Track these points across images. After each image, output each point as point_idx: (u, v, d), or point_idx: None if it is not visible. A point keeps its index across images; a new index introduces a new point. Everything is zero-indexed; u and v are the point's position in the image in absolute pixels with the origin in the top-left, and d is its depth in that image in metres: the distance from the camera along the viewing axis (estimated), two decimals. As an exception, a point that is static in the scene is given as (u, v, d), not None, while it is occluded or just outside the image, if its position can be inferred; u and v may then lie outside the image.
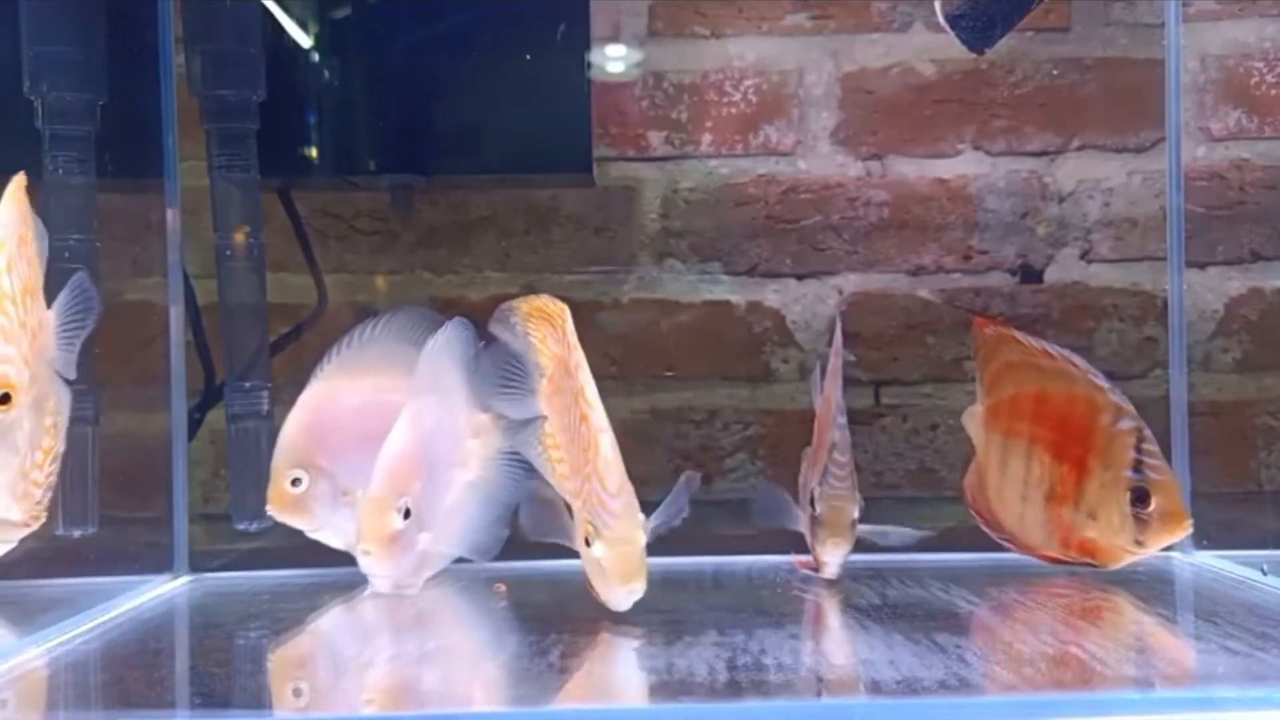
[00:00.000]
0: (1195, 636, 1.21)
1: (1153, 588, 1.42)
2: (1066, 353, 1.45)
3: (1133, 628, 1.23)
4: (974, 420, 1.53)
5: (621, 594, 1.18)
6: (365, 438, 1.35)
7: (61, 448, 1.20)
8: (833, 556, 1.38)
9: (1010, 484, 1.47)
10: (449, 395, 1.36)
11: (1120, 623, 1.25)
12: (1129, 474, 1.38)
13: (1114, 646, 1.16)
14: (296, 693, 1.12)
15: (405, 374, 1.37)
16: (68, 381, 1.24)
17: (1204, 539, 1.60)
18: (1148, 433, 1.40)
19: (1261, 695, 0.96)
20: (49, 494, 1.17)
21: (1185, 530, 1.39)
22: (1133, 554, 1.40)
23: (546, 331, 1.28)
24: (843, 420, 1.39)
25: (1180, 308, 1.68)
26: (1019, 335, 1.49)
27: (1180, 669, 1.11)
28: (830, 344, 1.79)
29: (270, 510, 1.42)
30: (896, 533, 1.44)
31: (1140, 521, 1.38)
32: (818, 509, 1.38)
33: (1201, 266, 1.77)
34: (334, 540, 1.42)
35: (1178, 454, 1.64)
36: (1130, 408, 1.41)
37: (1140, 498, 1.38)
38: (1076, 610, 1.32)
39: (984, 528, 1.50)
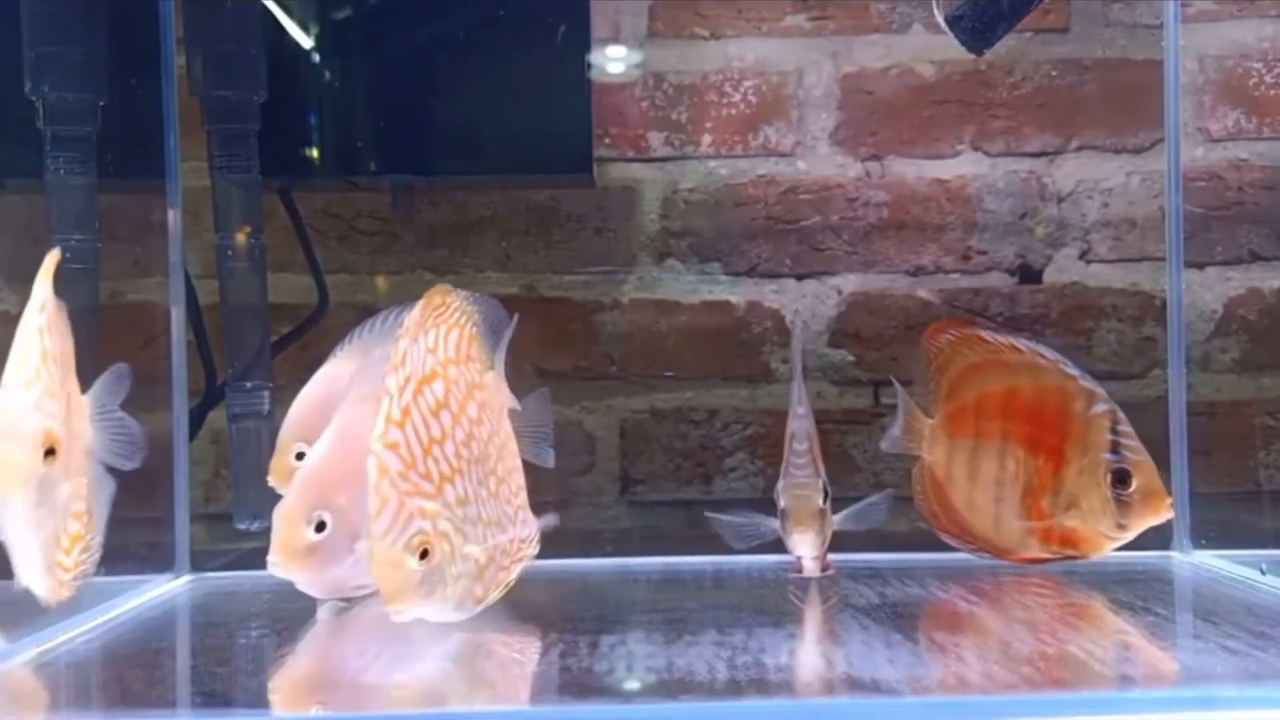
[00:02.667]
0: (1194, 636, 1.22)
1: (1151, 587, 1.42)
2: (1034, 344, 1.45)
3: (1131, 627, 1.23)
4: (924, 434, 1.50)
5: (390, 613, 1.15)
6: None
7: (97, 539, 1.20)
8: (803, 547, 1.36)
9: (981, 487, 1.46)
10: None
11: (1119, 622, 1.25)
12: (1107, 456, 1.38)
13: (1112, 646, 1.16)
14: (296, 693, 1.12)
15: None
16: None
17: (1203, 539, 1.60)
18: (1121, 415, 1.40)
19: (1261, 695, 0.96)
20: (79, 581, 1.17)
21: (1167, 509, 1.39)
22: (1115, 539, 1.40)
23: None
24: (801, 410, 1.38)
25: (1179, 308, 1.69)
26: (984, 333, 1.48)
27: (1179, 668, 1.12)
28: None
29: (271, 482, 1.41)
30: (866, 507, 1.43)
31: (1122, 504, 1.38)
32: (782, 501, 1.36)
33: (1200, 267, 1.78)
34: None
35: (1176, 454, 1.64)
36: (1102, 392, 1.41)
37: (1120, 479, 1.38)
38: (1074, 609, 1.32)
39: (951, 541, 1.49)
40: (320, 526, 1.27)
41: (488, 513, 1.21)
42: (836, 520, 1.40)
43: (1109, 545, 1.41)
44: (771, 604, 1.37)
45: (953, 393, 1.49)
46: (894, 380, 1.54)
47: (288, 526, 1.27)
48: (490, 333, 1.30)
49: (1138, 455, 1.39)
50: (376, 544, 1.13)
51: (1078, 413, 1.40)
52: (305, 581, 1.29)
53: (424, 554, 1.14)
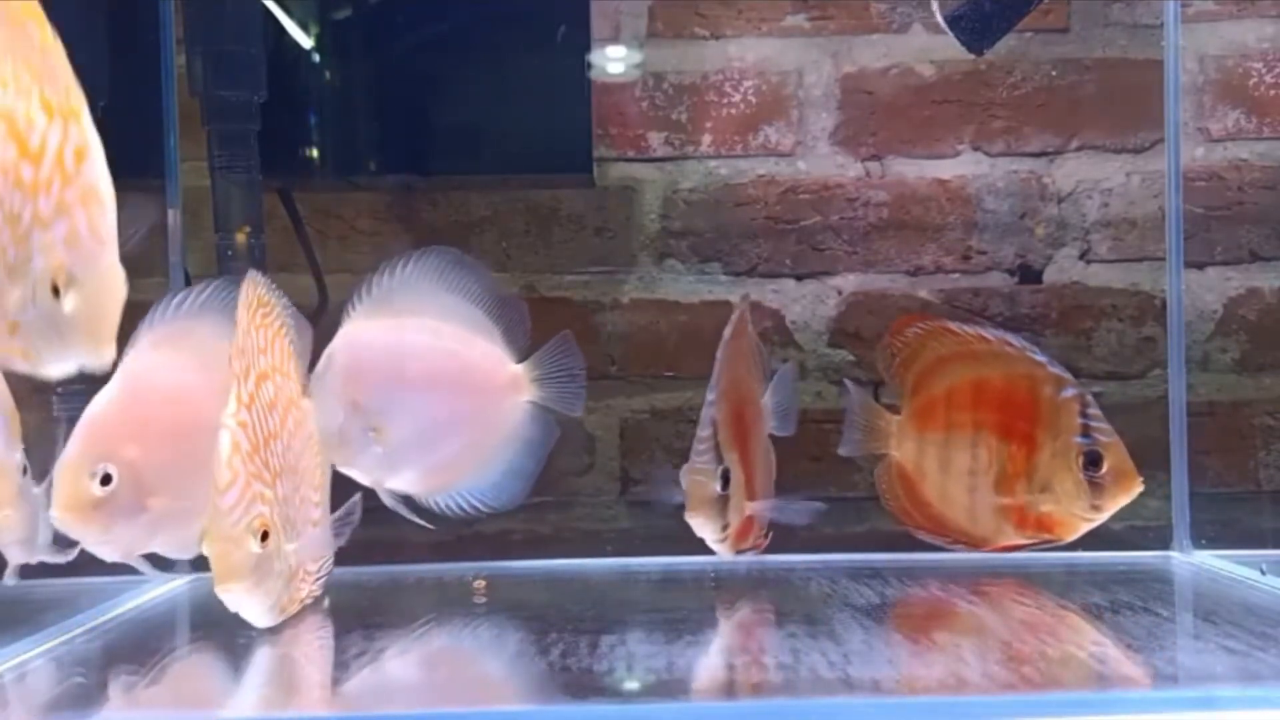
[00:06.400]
0: (1194, 636, 1.22)
1: (1151, 588, 1.42)
2: (1002, 333, 1.47)
3: (1131, 627, 1.23)
4: (889, 432, 1.50)
5: (219, 593, 1.15)
6: (395, 375, 1.36)
7: None
8: (700, 531, 1.36)
9: (955, 478, 1.47)
10: (217, 358, 1.30)
11: (1119, 622, 1.25)
12: (1078, 440, 1.41)
13: (1113, 646, 1.16)
14: (296, 690, 1.12)
15: (434, 315, 1.39)
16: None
17: (1203, 539, 1.61)
18: (1090, 398, 1.43)
19: (1261, 695, 0.96)
20: None
21: (1138, 488, 1.41)
22: (1089, 520, 1.43)
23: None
24: (711, 397, 1.37)
25: (1179, 308, 1.69)
26: (953, 325, 1.49)
27: (1179, 668, 1.11)
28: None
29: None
30: (798, 508, 1.43)
31: (1094, 485, 1.41)
32: (684, 485, 1.36)
33: (1200, 267, 1.78)
34: (362, 477, 1.41)
35: (1176, 454, 1.64)
36: (1070, 377, 1.43)
37: (1092, 461, 1.41)
38: (1074, 609, 1.32)
39: (924, 537, 1.50)
40: (106, 479, 1.20)
41: (296, 521, 1.21)
42: (758, 506, 1.40)
43: (1084, 527, 1.44)
44: (771, 604, 1.37)
45: (920, 387, 1.50)
46: (847, 383, 1.55)
47: (69, 479, 1.20)
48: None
49: (1108, 437, 1.42)
50: (220, 519, 1.12)
51: (1047, 398, 1.43)
52: (94, 540, 1.22)
53: (264, 536, 1.14)
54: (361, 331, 1.38)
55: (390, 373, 1.37)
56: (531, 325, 1.61)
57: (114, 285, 0.99)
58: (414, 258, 1.40)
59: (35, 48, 0.99)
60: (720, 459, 1.35)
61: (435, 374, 1.39)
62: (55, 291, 0.96)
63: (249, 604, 1.17)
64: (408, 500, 1.41)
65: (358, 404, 1.36)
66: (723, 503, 1.35)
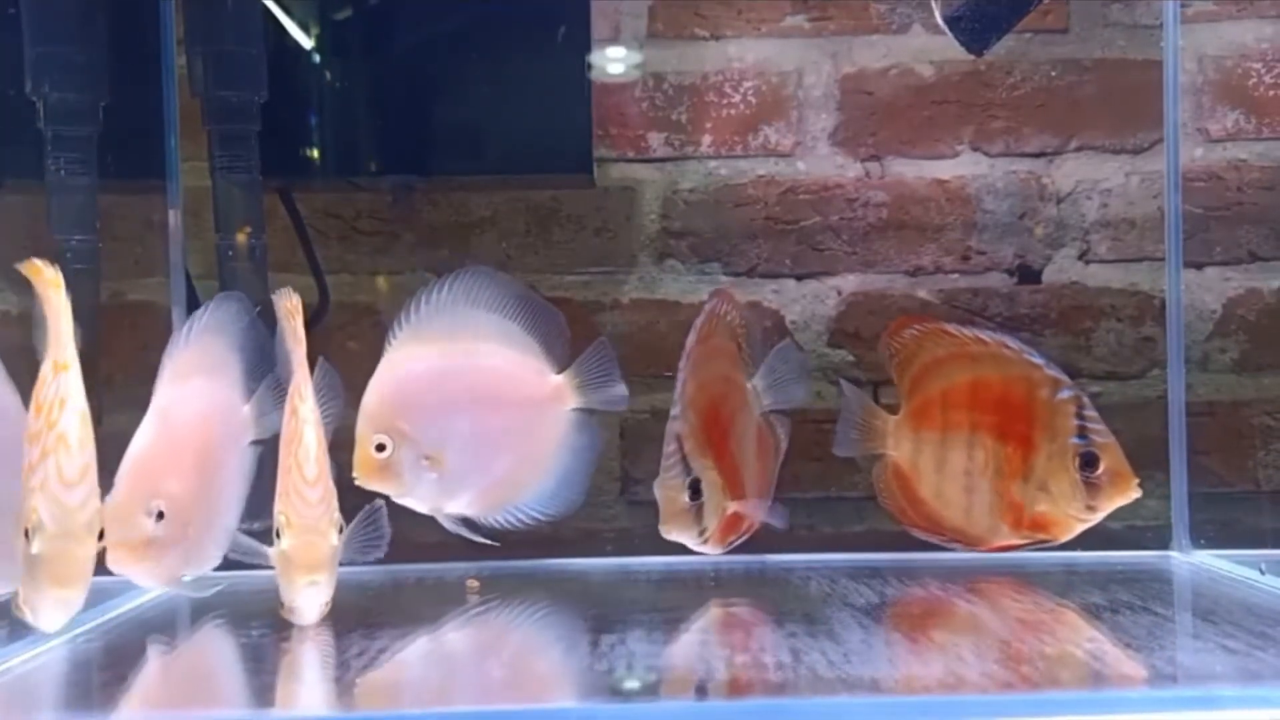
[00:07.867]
0: (1194, 636, 1.22)
1: (1151, 588, 1.43)
2: (1000, 335, 1.48)
3: (1131, 627, 1.23)
4: (886, 432, 1.52)
5: (301, 585, 1.17)
6: (443, 401, 1.38)
7: None
8: (677, 539, 1.39)
9: (951, 479, 1.49)
10: (222, 375, 1.36)
11: (1118, 621, 1.25)
12: (1075, 440, 1.42)
13: (1112, 645, 1.16)
14: (297, 690, 1.12)
15: (475, 336, 1.41)
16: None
17: (1202, 539, 1.61)
18: (1086, 399, 1.44)
19: (1260, 695, 0.97)
20: None
21: (1134, 489, 1.43)
22: (1084, 521, 1.45)
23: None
24: (674, 411, 1.39)
25: (1178, 308, 1.69)
26: (950, 327, 1.50)
27: (1178, 668, 1.12)
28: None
29: (357, 476, 1.40)
30: (777, 513, 1.46)
31: (1090, 486, 1.43)
32: (657, 498, 1.39)
33: (1199, 267, 1.78)
34: (419, 506, 1.42)
35: (1176, 454, 1.64)
36: (1066, 378, 1.44)
37: (1088, 462, 1.42)
38: (1074, 609, 1.32)
39: (921, 535, 1.51)
40: (159, 516, 1.24)
41: None
42: (741, 507, 1.41)
43: (1079, 527, 1.46)
44: (772, 604, 1.37)
45: (916, 388, 1.51)
46: (842, 382, 1.56)
47: (123, 518, 1.23)
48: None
49: (1104, 438, 1.43)
50: (308, 511, 1.16)
51: (1044, 399, 1.44)
52: (145, 573, 1.26)
53: (339, 531, 1.19)
54: (404, 361, 1.40)
55: (438, 400, 1.39)
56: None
57: (75, 529, 1.06)
58: (447, 281, 1.42)
59: (54, 309, 1.08)
60: (689, 470, 1.36)
61: (482, 395, 1.42)
62: (27, 535, 1.05)
63: (319, 598, 1.19)
64: (467, 522, 1.43)
65: (408, 435, 1.38)
66: (696, 510, 1.38)
